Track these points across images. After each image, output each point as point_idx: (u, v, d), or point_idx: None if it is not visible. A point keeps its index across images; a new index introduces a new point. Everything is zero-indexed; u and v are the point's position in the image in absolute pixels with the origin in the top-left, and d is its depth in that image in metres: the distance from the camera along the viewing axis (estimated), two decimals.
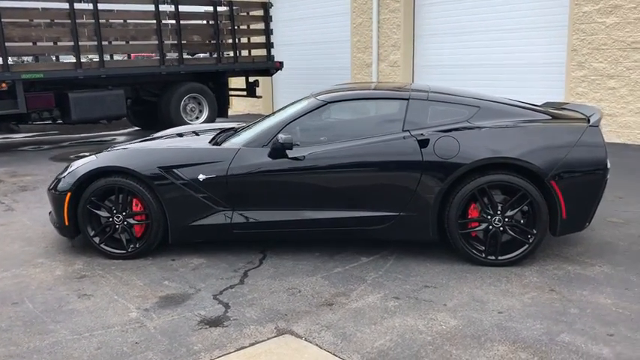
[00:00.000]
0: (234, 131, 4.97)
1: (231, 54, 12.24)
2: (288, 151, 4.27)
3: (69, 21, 10.04)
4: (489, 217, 4.13)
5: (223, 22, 11.99)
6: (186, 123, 11.43)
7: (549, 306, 3.52)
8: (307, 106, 4.50)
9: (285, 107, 4.90)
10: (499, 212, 4.11)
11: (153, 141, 5.18)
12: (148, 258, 4.49)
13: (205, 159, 4.36)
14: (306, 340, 3.17)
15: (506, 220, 4.11)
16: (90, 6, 10.24)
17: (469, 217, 4.18)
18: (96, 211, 4.45)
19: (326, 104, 4.46)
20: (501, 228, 4.13)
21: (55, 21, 10.22)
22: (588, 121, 4.22)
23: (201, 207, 4.36)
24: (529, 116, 4.32)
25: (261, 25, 12.76)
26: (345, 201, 4.28)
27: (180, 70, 11.48)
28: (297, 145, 4.35)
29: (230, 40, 12.11)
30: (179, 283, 4.00)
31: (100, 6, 10.32)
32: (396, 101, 4.41)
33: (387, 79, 12.93)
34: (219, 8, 11.83)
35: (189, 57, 11.88)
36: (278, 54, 15.62)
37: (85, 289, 3.93)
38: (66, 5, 9.95)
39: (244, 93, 13.22)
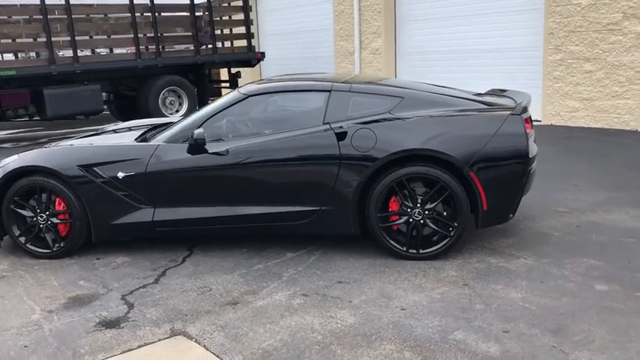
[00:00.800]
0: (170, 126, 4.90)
1: (210, 46, 12.15)
2: (208, 147, 4.20)
3: (41, 16, 10.02)
4: (409, 210, 4.03)
5: (202, 13, 11.90)
6: (164, 116, 11.39)
7: (456, 302, 3.43)
8: (228, 99, 4.42)
9: (214, 101, 4.82)
10: (419, 205, 4.01)
11: (90, 138, 5.13)
12: (73, 257, 4.45)
13: (124, 156, 4.31)
14: (196, 341, 3.12)
15: (427, 212, 4.01)
16: (62, 1, 10.20)
17: (390, 210, 4.08)
18: (20, 211, 4.42)
19: (247, 97, 4.38)
20: (422, 221, 4.03)
21: (30, 17, 10.20)
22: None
23: (122, 205, 4.31)
24: (456, 106, 4.19)
25: (240, 16, 12.64)
26: (267, 196, 4.20)
27: (158, 64, 11.43)
28: (222, 140, 4.28)
29: (209, 32, 12.01)
30: (94, 283, 3.96)
31: (73, 0, 10.28)
32: (318, 93, 4.31)
33: (369, 67, 12.78)
34: (196, 0, 11.74)
35: (167, 50, 11.79)
36: (265, 44, 15.56)
37: None
38: (37, 1, 9.92)
39: (227, 85, 13.14)
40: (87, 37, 10.96)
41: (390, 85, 4.38)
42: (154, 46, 11.35)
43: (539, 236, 4.45)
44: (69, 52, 10.54)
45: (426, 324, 3.17)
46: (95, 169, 4.29)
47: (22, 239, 4.46)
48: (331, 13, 13.48)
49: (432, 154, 3.93)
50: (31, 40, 10.38)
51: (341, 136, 4.06)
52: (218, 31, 12.40)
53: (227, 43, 12.72)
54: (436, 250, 4.04)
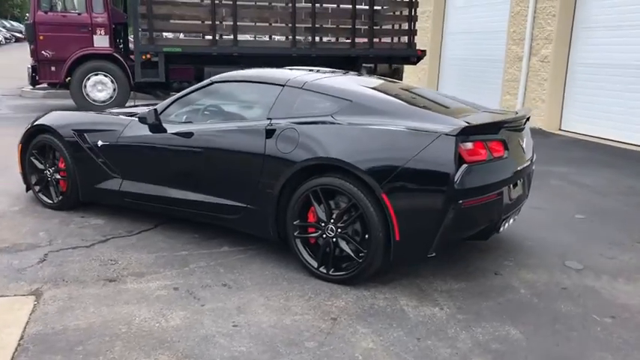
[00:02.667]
0: None
1: (367, 39, 12.09)
2: (169, 127, 4.30)
3: (209, 2, 11.04)
4: (323, 224, 3.63)
5: (361, 6, 11.90)
6: None
7: (296, 335, 3.02)
8: (199, 84, 4.45)
9: None
10: (332, 221, 3.59)
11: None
12: (72, 211, 4.94)
13: (107, 126, 4.63)
14: (35, 304, 3.27)
15: (339, 231, 3.57)
16: None
17: (308, 221, 3.73)
18: (36, 163, 5.05)
19: (212, 83, 4.36)
20: (334, 239, 3.60)
21: (201, 1, 11.32)
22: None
23: (100, 171, 4.65)
24: (408, 118, 3.59)
25: (404, 11, 12.32)
26: (204, 184, 4.16)
27: (311, 54, 11.74)
28: (184, 122, 4.35)
29: (366, 26, 11.97)
30: (46, 235, 4.35)
31: None
32: (274, 87, 4.09)
33: (535, 77, 11.47)
34: None
35: (322, 41, 12.06)
36: (447, 43, 14.98)
37: None
38: None
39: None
40: (248, 23, 11.72)
41: (347, 88, 3.94)
42: (309, 36, 11.69)
43: (496, 289, 3.64)
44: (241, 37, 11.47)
45: (232, 347, 2.87)
46: (85, 134, 4.69)
47: (37, 188, 5.09)
48: (507, 14, 12.37)
49: (342, 165, 3.47)
50: (199, 22, 11.48)
51: (269, 133, 3.81)
52: (381, 26, 12.26)
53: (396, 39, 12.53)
54: (344, 275, 3.58)
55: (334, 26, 12.06)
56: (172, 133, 4.24)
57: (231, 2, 11.06)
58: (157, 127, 4.31)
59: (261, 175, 3.81)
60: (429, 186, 3.28)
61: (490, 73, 12.99)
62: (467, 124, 3.32)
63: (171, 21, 11.16)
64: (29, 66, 11.16)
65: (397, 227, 3.36)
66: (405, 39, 12.39)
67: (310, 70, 4.54)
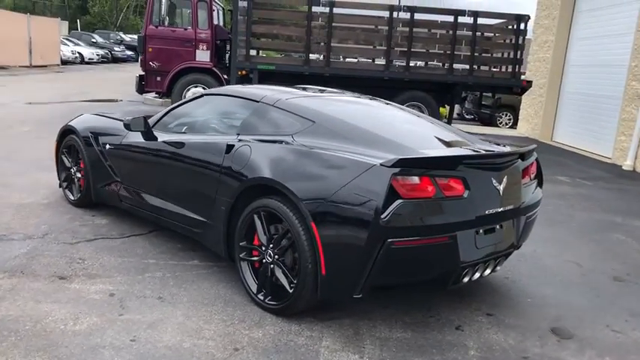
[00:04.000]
0: None
1: (467, 66, 11.57)
2: (160, 136, 4.38)
3: (305, 22, 11.25)
4: (263, 248, 3.45)
5: (462, 32, 11.42)
6: None
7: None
8: (193, 96, 4.48)
9: None
10: (271, 246, 3.40)
11: None
12: (87, 209, 5.21)
13: (116, 131, 4.81)
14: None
15: (276, 257, 3.37)
16: (326, 9, 11.23)
17: (254, 243, 3.56)
18: (65, 162, 5.40)
19: (201, 96, 4.37)
20: (271, 265, 3.40)
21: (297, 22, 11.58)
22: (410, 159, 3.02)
23: (107, 174, 4.85)
24: (365, 145, 3.30)
25: (511, 39, 11.62)
26: (177, 195, 4.16)
27: (404, 78, 11.48)
28: (174, 132, 4.41)
29: (467, 53, 11.45)
30: (47, 229, 4.61)
31: (336, 10, 11.20)
32: (250, 102, 4.00)
33: None
34: (460, 19, 11.30)
35: (417, 65, 11.73)
36: (568, 76, 13.90)
37: None
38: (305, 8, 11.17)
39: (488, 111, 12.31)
40: (341, 45, 11.73)
41: (315, 108, 3.73)
42: (403, 60, 11.44)
43: (443, 346, 3.19)
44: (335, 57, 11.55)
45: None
46: (98, 137, 4.93)
47: (64, 184, 5.44)
48: (630, 47, 11.15)
49: (280, 188, 3.27)
50: (294, 42, 11.72)
51: (229, 149, 3.72)
52: (481, 54, 11.68)
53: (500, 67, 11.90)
54: (276, 305, 3.36)
55: (431, 51, 11.69)
56: (159, 142, 4.30)
57: (326, 24, 11.14)
58: (147, 135, 4.39)
59: (217, 191, 3.72)
60: (355, 219, 2.96)
61: (606, 110, 11.78)
62: (404, 157, 2.97)
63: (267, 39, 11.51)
64: (137, 75, 12.08)
65: (323, 260, 3.08)
66: (509, 68, 11.66)
67: (304, 89, 4.39)
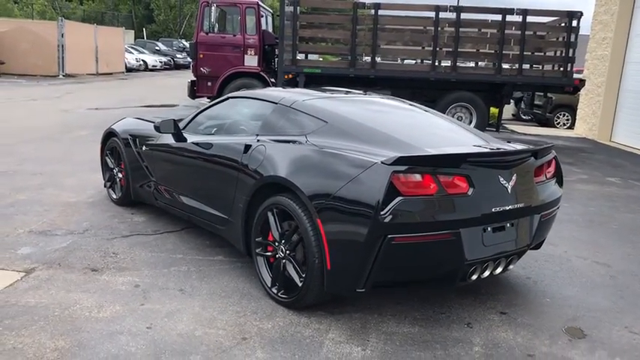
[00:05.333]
0: None
1: (516, 66, 11.35)
2: (188, 137, 4.60)
3: (350, 25, 11.35)
4: (277, 244, 3.59)
5: (511, 31, 11.23)
6: None
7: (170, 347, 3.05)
8: (220, 98, 4.68)
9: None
10: (283, 242, 3.53)
11: None
12: (128, 208, 5.51)
13: (152, 134, 5.08)
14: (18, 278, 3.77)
15: (287, 252, 3.50)
16: (372, 12, 11.31)
17: (268, 239, 3.71)
18: (109, 163, 5.73)
19: (228, 99, 4.56)
20: (284, 260, 3.54)
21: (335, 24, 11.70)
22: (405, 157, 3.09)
23: (143, 174, 5.13)
24: (374, 144, 3.39)
25: (562, 37, 11.32)
26: (203, 194, 4.36)
27: (451, 78, 11.39)
28: (202, 134, 4.62)
29: (516, 52, 11.24)
30: (87, 225, 4.93)
31: (380, 12, 11.26)
32: (269, 105, 4.15)
33: None
34: (508, 17, 11.12)
35: (464, 66, 11.61)
36: (629, 73, 13.41)
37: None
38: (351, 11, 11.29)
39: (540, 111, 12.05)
40: (386, 46, 11.75)
41: (328, 109, 3.84)
42: (450, 61, 11.36)
43: (448, 342, 3.23)
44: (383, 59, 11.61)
45: (125, 345, 3.00)
46: (136, 139, 5.22)
47: (108, 184, 5.78)
48: None
49: (289, 186, 3.40)
50: (339, 45, 11.84)
51: (246, 149, 3.88)
52: (532, 52, 11.44)
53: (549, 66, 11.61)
54: (287, 299, 3.50)
55: (478, 51, 11.55)
56: (188, 143, 4.51)
57: (371, 26, 11.21)
58: (177, 137, 4.62)
59: (236, 190, 3.89)
60: (356, 216, 3.06)
61: None
62: (404, 155, 3.04)
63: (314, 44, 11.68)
64: (189, 80, 12.52)
65: (329, 256, 3.19)
66: (561, 67, 11.36)
67: (330, 91, 4.53)
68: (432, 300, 3.74)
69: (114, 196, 5.63)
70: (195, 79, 12.34)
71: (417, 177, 3.06)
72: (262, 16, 12.54)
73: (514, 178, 3.38)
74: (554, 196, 3.80)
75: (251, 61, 12.07)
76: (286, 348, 3.06)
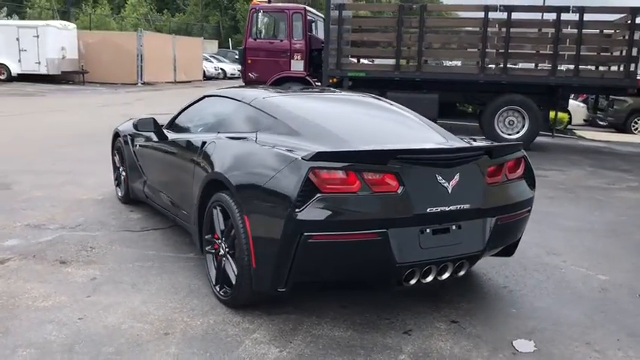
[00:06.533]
0: None
1: (572, 67, 10.70)
2: (168, 134, 4.68)
3: (396, 27, 11.15)
4: (219, 240, 3.56)
5: (567, 30, 10.61)
6: (499, 137, 10.93)
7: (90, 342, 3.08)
8: (197, 98, 4.72)
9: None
10: (223, 239, 3.50)
11: None
12: (131, 205, 5.68)
13: (145, 133, 5.20)
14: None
15: (227, 249, 3.46)
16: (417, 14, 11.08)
17: (215, 236, 3.68)
18: (116, 162, 5.94)
19: (203, 97, 4.59)
20: (224, 257, 3.50)
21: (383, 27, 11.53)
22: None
23: (138, 172, 5.27)
24: (312, 141, 3.31)
25: (624, 35, 10.55)
26: (175, 192, 4.41)
27: (501, 81, 10.90)
28: (186, 131, 4.68)
29: (572, 52, 10.60)
30: (80, 219, 5.12)
31: (427, 14, 11.01)
32: (234, 102, 4.15)
33: None
34: (563, 16, 10.50)
35: (515, 67, 11.07)
36: None
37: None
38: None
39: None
40: (434, 48, 11.42)
41: (281, 106, 3.77)
42: (500, 63, 10.89)
43: (373, 347, 3.06)
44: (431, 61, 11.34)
45: (44, 334, 3.07)
46: (134, 138, 5.37)
47: (115, 182, 5.99)
48: None
49: (225, 182, 3.37)
50: (384, 48, 11.67)
51: (202, 146, 3.88)
52: (588, 52, 10.75)
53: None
54: (224, 297, 3.45)
55: (531, 51, 10.99)
56: (167, 141, 4.58)
57: (417, 28, 10.97)
58: (158, 134, 4.70)
59: (193, 186, 3.90)
60: (275, 213, 2.97)
61: None
62: (322, 150, 2.92)
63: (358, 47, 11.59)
64: (239, 86, 12.74)
65: (253, 253, 3.12)
66: (622, 67, 10.59)
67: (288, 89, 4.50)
68: (381, 305, 3.55)
69: (119, 194, 5.83)
70: (243, 84, 12.56)
71: (340, 174, 2.93)
72: (313, 21, 12.58)
73: (456, 177, 3.15)
74: (518, 198, 3.52)
75: (297, 65, 12.13)
76: (203, 345, 3.01)
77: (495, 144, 3.41)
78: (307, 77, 12.05)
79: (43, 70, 23.51)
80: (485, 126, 11.16)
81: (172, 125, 4.80)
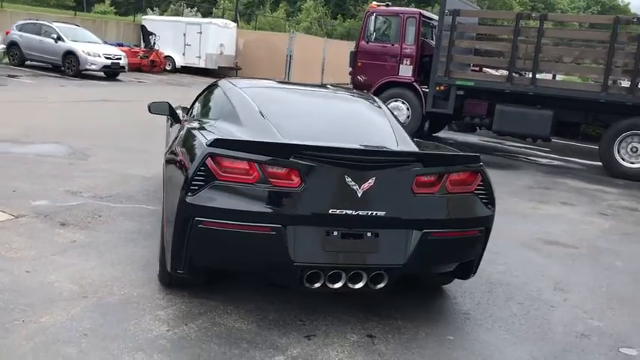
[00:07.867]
0: None
1: None
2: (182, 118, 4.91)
3: (512, 37, 10.49)
4: None
5: None
6: (617, 164, 9.84)
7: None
8: (209, 84, 4.88)
9: None
10: None
11: None
12: None
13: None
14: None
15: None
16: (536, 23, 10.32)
17: None
18: None
19: (212, 85, 4.73)
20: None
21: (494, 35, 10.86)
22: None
23: None
24: (254, 131, 3.34)
25: None
26: None
27: (627, 102, 9.73)
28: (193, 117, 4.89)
29: None
30: (88, 199, 5.58)
31: (547, 24, 10.22)
32: (219, 90, 4.25)
33: None
34: None
35: None
36: None
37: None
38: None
39: None
40: (545, 60, 10.49)
41: (244, 97, 3.78)
42: (627, 81, 9.75)
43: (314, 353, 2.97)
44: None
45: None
46: (169, 120, 5.69)
47: None
48: None
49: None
50: (496, 57, 10.99)
51: (179, 131, 4.01)
52: None
53: None
54: (158, 275, 3.58)
55: None
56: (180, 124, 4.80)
57: (535, 38, 10.22)
58: (173, 118, 4.93)
59: None
60: (176, 196, 3.01)
61: None
62: (221, 137, 2.91)
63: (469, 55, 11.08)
64: None
65: (163, 233, 3.20)
66: None
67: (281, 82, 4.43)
68: (309, 307, 3.42)
69: None
70: (351, 86, 12.60)
71: (237, 162, 2.89)
72: (431, 27, 12.24)
73: (371, 181, 2.93)
74: (462, 215, 3.17)
75: (406, 71, 11.88)
76: (105, 311, 3.16)
77: (431, 152, 3.09)
78: (414, 83, 11.74)
79: (201, 64, 25.63)
80: (602, 151, 10.06)
81: (188, 111, 5.02)
